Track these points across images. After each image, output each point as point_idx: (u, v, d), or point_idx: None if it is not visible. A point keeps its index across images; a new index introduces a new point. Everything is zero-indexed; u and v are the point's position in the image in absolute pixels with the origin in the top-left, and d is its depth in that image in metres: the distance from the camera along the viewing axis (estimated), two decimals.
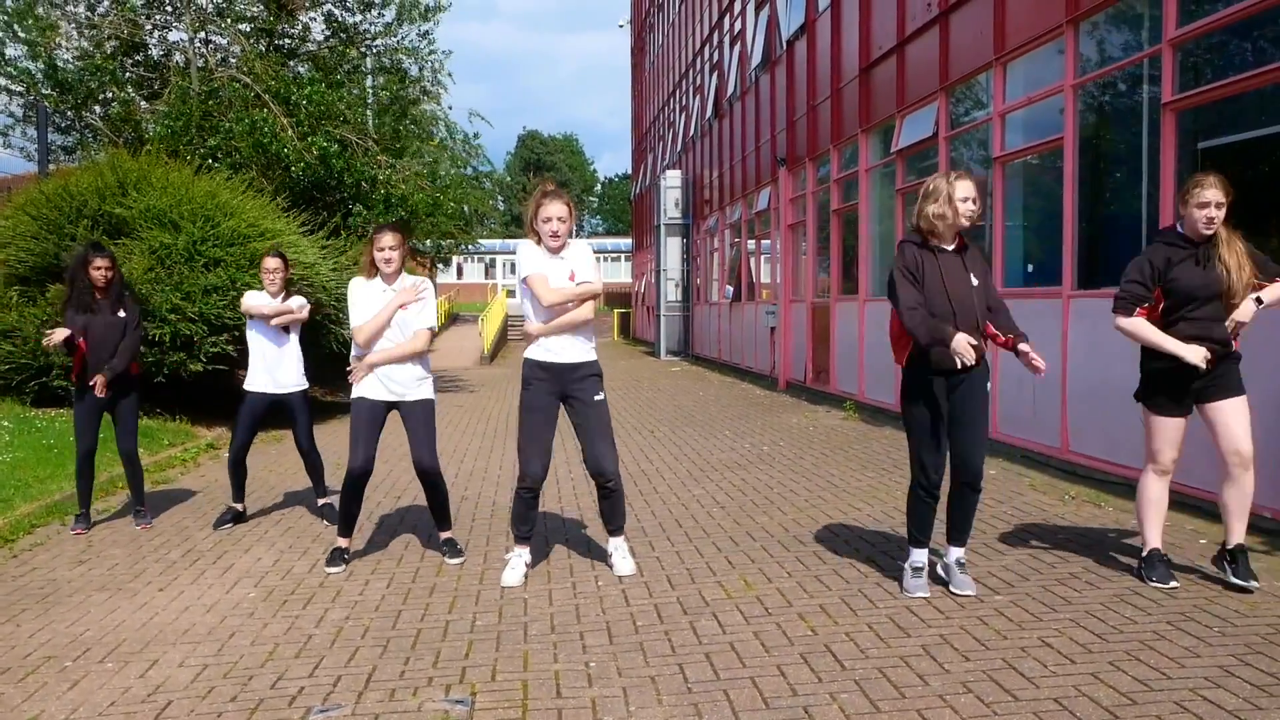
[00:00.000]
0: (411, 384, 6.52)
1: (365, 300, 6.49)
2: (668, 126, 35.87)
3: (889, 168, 13.83)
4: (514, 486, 6.24)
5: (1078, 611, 5.16)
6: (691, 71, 30.31)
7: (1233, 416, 5.44)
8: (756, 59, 21.19)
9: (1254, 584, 5.45)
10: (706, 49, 27.52)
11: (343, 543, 6.61)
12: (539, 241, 6.08)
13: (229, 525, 7.68)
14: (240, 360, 13.32)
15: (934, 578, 5.74)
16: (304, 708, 4.23)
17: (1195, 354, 5.34)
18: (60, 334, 7.62)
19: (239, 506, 7.88)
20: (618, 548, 6.29)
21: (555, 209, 6.02)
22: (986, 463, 9.60)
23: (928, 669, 4.43)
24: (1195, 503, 7.27)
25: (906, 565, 5.66)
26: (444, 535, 6.78)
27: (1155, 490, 5.70)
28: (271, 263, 7.82)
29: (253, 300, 7.78)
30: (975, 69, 10.99)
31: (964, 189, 5.40)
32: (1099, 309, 8.58)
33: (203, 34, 17.93)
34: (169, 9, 17.74)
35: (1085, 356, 8.79)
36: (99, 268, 7.62)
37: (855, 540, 6.79)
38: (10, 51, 17.56)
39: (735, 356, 23.20)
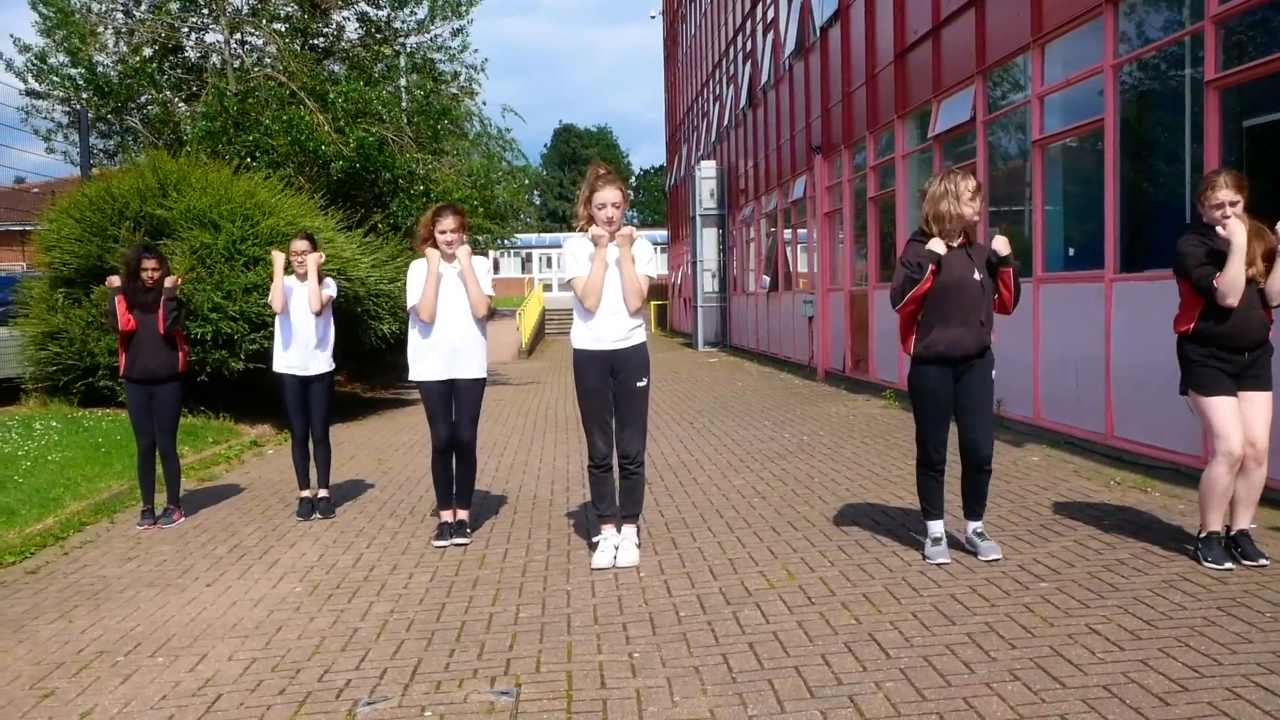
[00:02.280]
0: (470, 365, 6.88)
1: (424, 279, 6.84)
2: (701, 117, 35.80)
3: (926, 153, 13.72)
4: (584, 468, 6.53)
5: (1125, 598, 5.11)
6: (725, 61, 30.21)
7: (1257, 409, 5.55)
8: (790, 47, 21.08)
9: (1264, 560, 5.56)
10: (739, 38, 27.41)
11: (446, 515, 7.03)
12: (588, 224, 6.24)
13: (316, 515, 7.86)
14: None
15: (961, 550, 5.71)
16: (351, 700, 4.26)
17: (1233, 224, 5.36)
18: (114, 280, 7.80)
19: (307, 494, 7.97)
20: (627, 536, 6.29)
21: (610, 194, 6.15)
22: (1029, 449, 9.56)
23: (974, 657, 4.40)
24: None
25: (926, 538, 6.01)
26: (460, 514, 7.05)
27: (1224, 481, 5.56)
28: (299, 244, 7.80)
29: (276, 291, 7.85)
30: (1013, 51, 10.88)
31: (969, 186, 5.73)
32: (1142, 292, 8.49)
33: (238, 35, 18.08)
34: (205, 11, 17.90)
35: (1129, 340, 8.69)
36: (147, 269, 7.69)
37: (897, 529, 6.76)
38: (52, 60, 17.83)
39: (773, 346, 23.14)
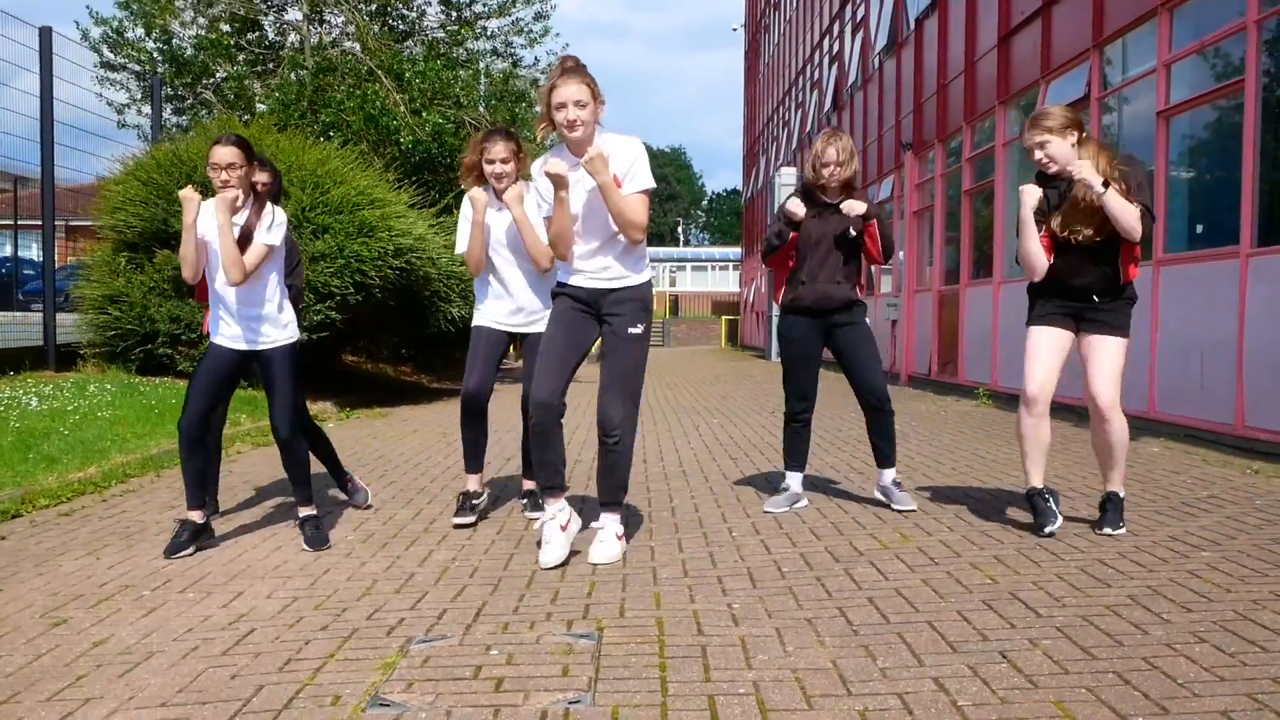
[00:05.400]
0: (533, 315, 5.69)
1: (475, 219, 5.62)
2: (782, 126, 35.11)
3: None
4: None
5: None
6: (809, 67, 29.53)
7: (1102, 355, 5.00)
8: (881, 43, 20.37)
9: (1108, 530, 5.04)
10: (826, 40, 26.74)
11: (473, 483, 5.73)
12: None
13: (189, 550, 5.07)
14: (348, 332, 12.97)
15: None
16: (404, 637, 3.64)
17: (1024, 188, 5.08)
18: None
19: (196, 517, 5.16)
20: (605, 525, 4.87)
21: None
22: (1146, 441, 8.74)
23: (1143, 619, 3.67)
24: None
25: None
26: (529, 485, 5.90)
27: (1024, 425, 5.14)
28: (224, 152, 4.93)
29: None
30: (1136, 18, 10.07)
31: (823, 148, 5.68)
32: None
33: (318, 11, 17.76)
34: None
35: (1267, 320, 7.86)
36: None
37: (1020, 502, 6.01)
38: (129, 34, 17.65)
39: None
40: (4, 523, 5.76)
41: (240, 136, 5.14)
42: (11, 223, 28.65)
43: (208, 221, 5.05)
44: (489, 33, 19.11)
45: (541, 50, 19.31)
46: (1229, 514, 5.53)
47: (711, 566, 4.61)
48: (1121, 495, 5.17)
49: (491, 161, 5.47)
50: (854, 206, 5.60)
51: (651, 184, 4.77)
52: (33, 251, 30.54)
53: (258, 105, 16.72)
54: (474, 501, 5.69)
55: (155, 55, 16.83)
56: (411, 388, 16.73)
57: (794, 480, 5.97)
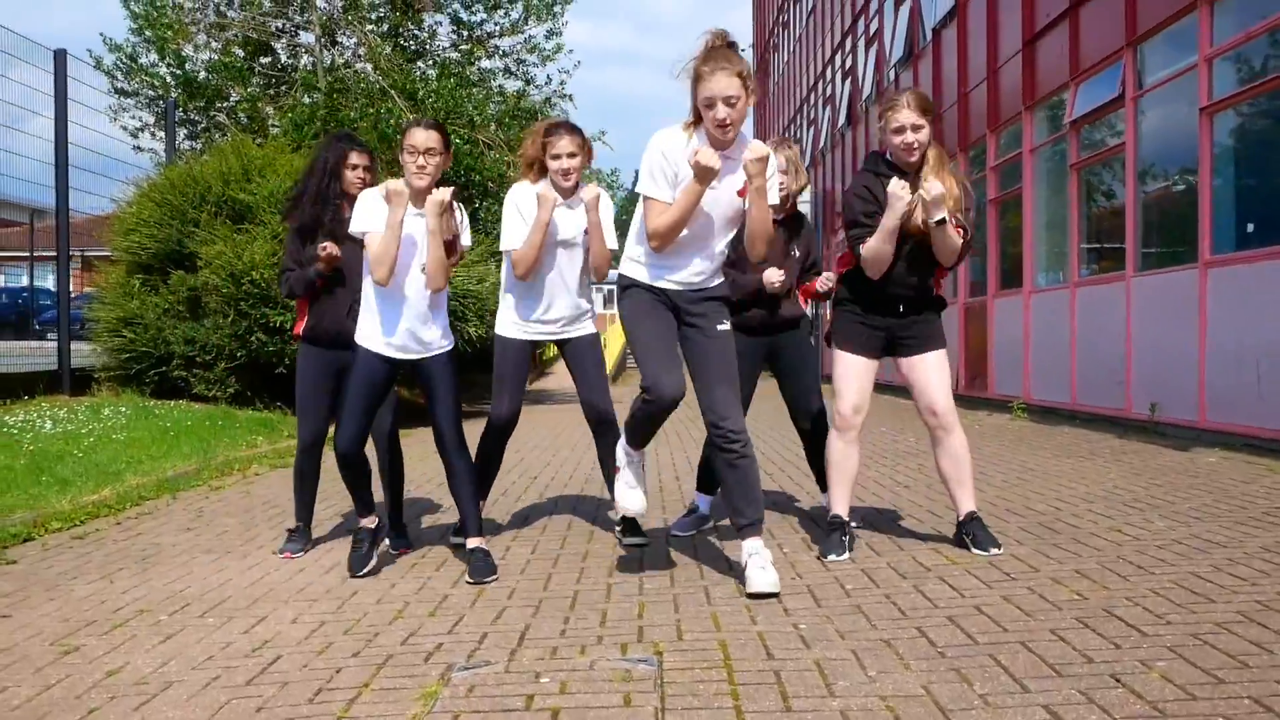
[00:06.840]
0: (581, 323, 5.37)
1: (530, 215, 5.08)
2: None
3: (1059, 144, 12.62)
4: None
5: None
6: (820, 83, 29.29)
7: (930, 371, 4.85)
8: (897, 55, 20.09)
9: (995, 550, 4.68)
10: (838, 56, 26.49)
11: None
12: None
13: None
14: None
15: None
16: (444, 664, 3.32)
17: (895, 185, 4.55)
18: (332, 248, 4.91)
19: (369, 522, 5.07)
20: (754, 554, 4.17)
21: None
22: (1200, 452, 8.37)
23: (1263, 637, 3.32)
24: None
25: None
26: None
27: (836, 451, 4.95)
28: (422, 135, 4.51)
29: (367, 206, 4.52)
30: (1174, 13, 9.76)
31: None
32: None
33: (330, 34, 17.57)
34: (296, 6, 17.41)
35: None
36: (355, 166, 5.07)
37: (1088, 513, 5.68)
38: (143, 60, 17.49)
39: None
40: (15, 546, 5.46)
41: (438, 121, 4.76)
42: (28, 254, 28.64)
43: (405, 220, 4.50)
44: (501, 51, 18.85)
45: (554, 68, 18.97)
46: None
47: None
48: (977, 513, 4.89)
49: (558, 156, 5.04)
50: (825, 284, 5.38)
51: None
52: (49, 282, 30.48)
53: (271, 127, 16.48)
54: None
55: (168, 80, 16.63)
56: (423, 411, 16.43)
57: (704, 502, 5.56)
